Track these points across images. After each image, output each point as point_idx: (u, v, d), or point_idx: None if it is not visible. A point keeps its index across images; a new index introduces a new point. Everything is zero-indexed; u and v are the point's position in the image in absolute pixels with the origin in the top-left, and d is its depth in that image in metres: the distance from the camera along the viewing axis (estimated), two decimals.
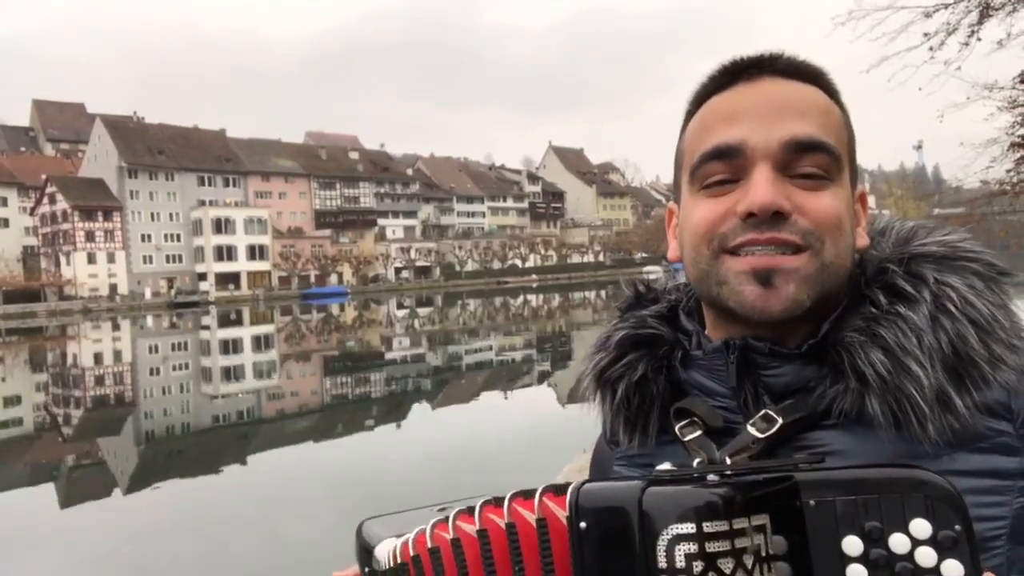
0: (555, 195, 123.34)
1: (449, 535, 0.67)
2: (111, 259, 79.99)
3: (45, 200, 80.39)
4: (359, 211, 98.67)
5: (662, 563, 0.56)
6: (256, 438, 14.49)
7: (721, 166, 0.75)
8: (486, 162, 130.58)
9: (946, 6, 8.77)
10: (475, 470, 9.78)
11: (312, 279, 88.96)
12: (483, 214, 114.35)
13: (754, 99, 0.76)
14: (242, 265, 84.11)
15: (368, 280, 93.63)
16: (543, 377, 20.04)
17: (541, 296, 66.68)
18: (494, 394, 17.85)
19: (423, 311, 54.78)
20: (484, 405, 16.44)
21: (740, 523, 0.57)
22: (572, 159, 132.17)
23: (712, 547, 0.55)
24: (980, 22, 8.77)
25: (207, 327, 47.96)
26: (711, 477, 0.60)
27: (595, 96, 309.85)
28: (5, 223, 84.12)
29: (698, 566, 0.55)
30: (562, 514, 0.62)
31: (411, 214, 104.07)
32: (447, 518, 0.68)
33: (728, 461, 0.72)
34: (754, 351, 0.76)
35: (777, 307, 0.72)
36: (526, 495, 0.65)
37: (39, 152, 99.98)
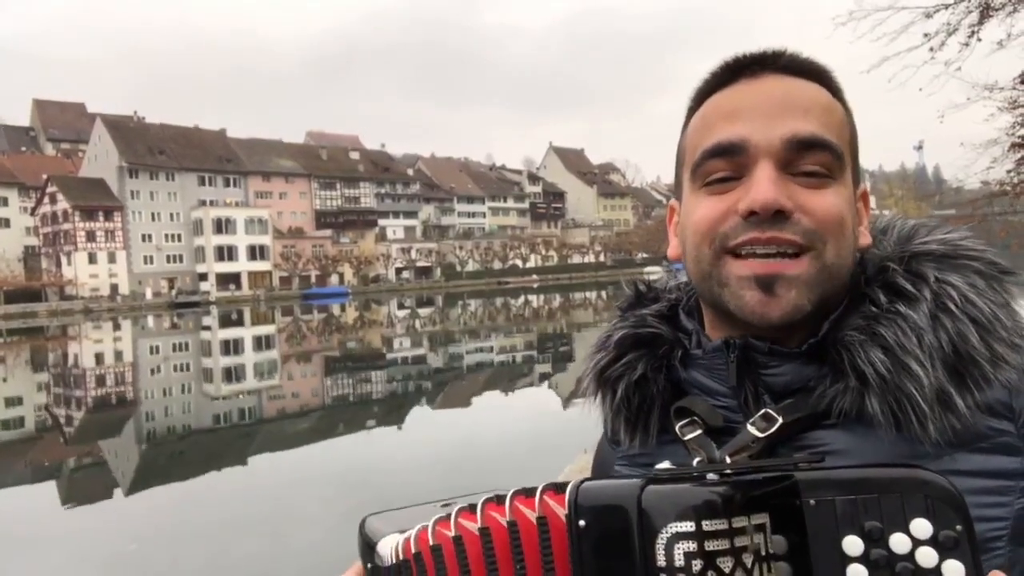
0: (556, 195, 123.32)
1: (451, 532, 0.66)
2: (112, 259, 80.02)
3: (46, 200, 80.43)
4: (360, 211, 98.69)
5: (661, 562, 0.56)
6: (257, 438, 14.50)
7: (723, 163, 0.75)
8: (486, 162, 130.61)
9: (946, 6, 8.77)
10: (476, 471, 9.78)
11: (313, 279, 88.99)
12: (484, 214, 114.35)
13: (756, 96, 0.75)
14: (243, 265, 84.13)
15: (369, 280, 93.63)
16: (544, 377, 20.04)
17: (542, 296, 66.67)
18: (495, 395, 17.85)
19: (424, 311, 54.78)
20: (485, 406, 16.43)
21: (740, 522, 0.57)
22: (573, 159, 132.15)
23: (711, 546, 0.55)
24: (980, 22, 8.77)
25: (208, 327, 47.97)
26: (711, 476, 0.60)
27: (595, 96, 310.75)
28: (6, 223, 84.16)
29: (697, 565, 0.55)
30: (562, 512, 0.62)
31: (412, 214, 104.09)
32: (449, 515, 0.68)
33: (728, 460, 0.72)
34: (754, 350, 0.75)
35: (777, 314, 0.72)
36: (527, 493, 0.65)
37: (40, 152, 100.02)
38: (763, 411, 0.74)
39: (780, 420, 0.72)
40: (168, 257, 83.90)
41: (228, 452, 13.20)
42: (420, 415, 15.76)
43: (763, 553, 0.58)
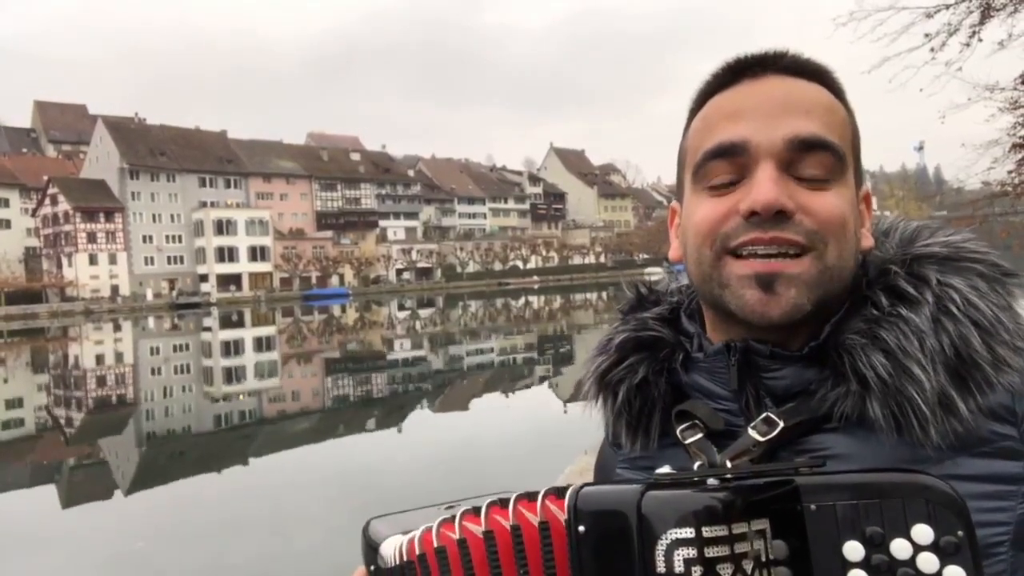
0: (556, 196, 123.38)
1: (456, 535, 0.66)
2: (113, 260, 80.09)
3: (47, 201, 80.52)
4: (360, 212, 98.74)
5: (661, 568, 0.56)
6: (258, 439, 14.49)
7: (724, 165, 0.75)
8: (487, 163, 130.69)
9: (947, 7, 8.76)
10: (476, 472, 9.77)
11: (313, 280, 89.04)
12: (484, 215, 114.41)
13: (758, 97, 0.75)
14: (243, 266, 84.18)
15: (369, 281, 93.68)
16: (544, 379, 20.03)
17: (542, 297, 66.66)
18: (495, 396, 17.83)
19: (424, 312, 54.79)
20: (485, 407, 16.42)
21: (740, 528, 0.56)
22: (573, 160, 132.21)
23: (711, 552, 0.55)
24: (981, 23, 8.76)
25: (208, 328, 47.98)
26: (711, 481, 0.60)
27: (595, 96, 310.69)
28: (7, 224, 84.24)
29: (697, 571, 0.55)
30: (563, 517, 0.62)
31: (412, 215, 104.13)
32: (453, 518, 0.68)
33: (729, 464, 0.72)
34: (755, 353, 0.75)
35: (777, 313, 0.72)
36: (531, 497, 0.64)
37: (41, 153, 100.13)
38: (764, 415, 0.73)
39: (781, 424, 0.72)
40: (169, 258, 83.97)
41: (228, 453, 13.19)
42: (420, 416, 15.75)
43: (763, 559, 0.58)
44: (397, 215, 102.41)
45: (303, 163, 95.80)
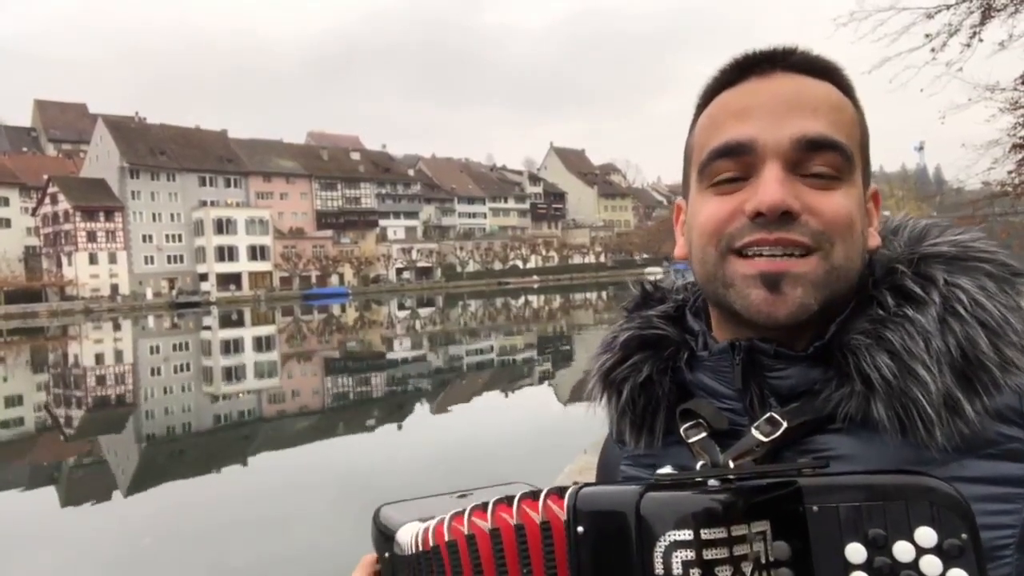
0: (556, 196, 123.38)
1: (465, 530, 0.67)
2: (112, 259, 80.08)
3: (47, 200, 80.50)
4: (360, 212, 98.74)
5: (659, 570, 0.56)
6: (258, 439, 14.49)
7: (730, 163, 0.74)
8: (487, 163, 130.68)
9: (948, 7, 8.76)
10: (476, 472, 9.76)
11: (313, 280, 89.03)
12: (484, 215, 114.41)
13: (765, 95, 0.74)
14: (243, 266, 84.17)
15: (369, 281, 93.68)
16: (544, 378, 20.02)
17: (542, 297, 66.67)
18: (495, 395, 17.84)
19: (424, 312, 54.78)
20: (485, 406, 16.42)
21: (739, 530, 0.56)
22: (573, 160, 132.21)
23: (710, 554, 0.55)
24: (982, 23, 8.76)
25: (208, 328, 47.97)
26: (712, 482, 0.60)
27: (595, 96, 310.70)
28: (7, 223, 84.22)
29: (695, 573, 0.55)
30: (564, 517, 0.62)
31: (412, 215, 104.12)
32: (463, 512, 0.68)
33: (732, 464, 0.72)
34: (760, 353, 0.75)
35: (783, 312, 0.71)
36: (535, 496, 0.64)
37: (41, 152, 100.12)
38: (768, 415, 0.73)
39: (785, 424, 0.71)
40: (169, 257, 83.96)
41: (228, 452, 13.19)
42: (420, 416, 15.75)
43: (763, 561, 0.58)
44: (397, 214, 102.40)
45: (303, 162, 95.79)
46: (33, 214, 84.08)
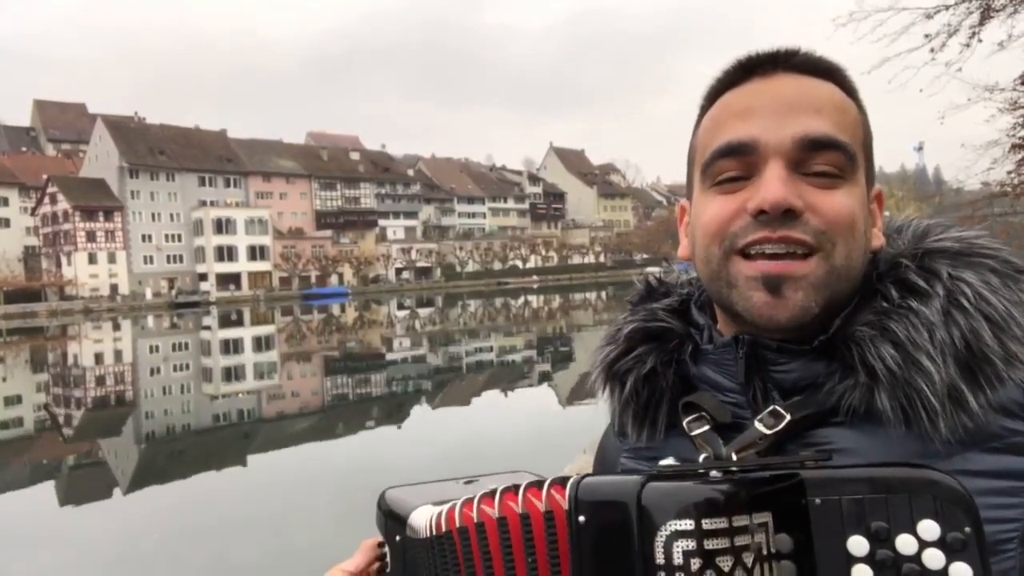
0: (556, 196, 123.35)
1: (475, 518, 0.67)
2: (112, 259, 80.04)
3: (46, 200, 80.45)
4: (360, 212, 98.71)
5: (660, 559, 0.56)
6: (257, 438, 14.50)
7: (733, 163, 0.74)
8: (487, 163, 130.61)
9: (947, 7, 8.76)
10: (476, 472, 9.75)
11: (313, 280, 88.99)
12: (484, 215, 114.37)
13: (768, 95, 0.75)
14: (243, 265, 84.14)
15: (369, 281, 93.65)
16: (543, 378, 20.04)
17: (542, 297, 66.68)
18: (494, 395, 17.86)
19: (424, 312, 54.79)
20: (484, 406, 16.43)
21: (741, 521, 0.56)
22: (573, 160, 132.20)
23: (711, 544, 0.55)
24: (981, 23, 8.76)
25: (208, 327, 47.98)
26: (713, 473, 0.60)
27: (595, 96, 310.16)
28: (6, 223, 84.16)
29: (696, 563, 0.55)
30: (566, 507, 0.62)
31: (412, 215, 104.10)
32: (473, 499, 0.68)
33: (734, 457, 0.72)
34: (763, 347, 0.75)
35: (784, 316, 0.72)
36: (539, 485, 0.65)
37: (40, 152, 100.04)
38: (771, 408, 0.73)
39: (788, 417, 0.72)
40: (168, 257, 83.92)
41: (228, 451, 13.20)
42: (419, 415, 15.75)
43: (764, 552, 0.58)
44: (396, 214, 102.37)
45: (303, 162, 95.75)
46: (32, 214, 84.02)
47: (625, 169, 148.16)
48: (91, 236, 78.88)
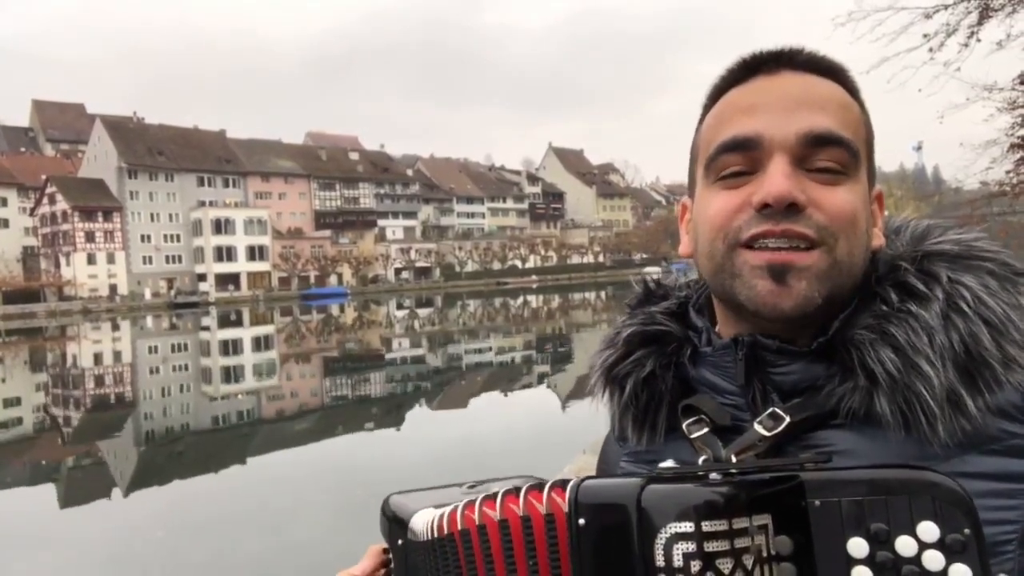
0: (555, 196, 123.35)
1: (477, 520, 0.67)
2: (111, 260, 79.97)
3: (45, 200, 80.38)
4: (359, 212, 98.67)
5: (660, 562, 0.56)
6: (256, 439, 14.50)
7: (737, 158, 0.75)
8: (486, 163, 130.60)
9: (946, 7, 8.78)
10: (475, 472, 9.70)
11: (312, 280, 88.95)
12: (483, 215, 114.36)
13: (773, 92, 0.75)
14: (242, 266, 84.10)
15: (368, 281, 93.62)
16: (542, 378, 20.05)
17: (541, 297, 66.71)
18: (494, 395, 17.86)
19: (423, 312, 54.80)
20: (484, 406, 16.44)
21: (741, 523, 0.56)
22: (572, 160, 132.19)
23: (711, 547, 0.55)
24: (980, 23, 8.77)
25: (207, 328, 47.97)
26: (713, 476, 0.60)
27: (595, 96, 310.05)
28: (5, 223, 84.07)
29: (696, 566, 0.55)
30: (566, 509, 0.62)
31: (411, 215, 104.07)
32: (475, 501, 0.68)
33: (734, 459, 0.72)
34: (763, 348, 0.75)
35: (789, 304, 0.72)
36: (540, 488, 0.65)
37: (39, 152, 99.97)
38: (770, 410, 0.73)
39: (787, 419, 0.72)
40: (167, 258, 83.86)
41: (227, 452, 13.20)
42: (419, 415, 15.76)
43: (764, 554, 0.58)
44: (396, 214, 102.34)
45: (302, 162, 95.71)
46: (31, 214, 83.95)
47: (624, 169, 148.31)
48: (90, 236, 78.81)
